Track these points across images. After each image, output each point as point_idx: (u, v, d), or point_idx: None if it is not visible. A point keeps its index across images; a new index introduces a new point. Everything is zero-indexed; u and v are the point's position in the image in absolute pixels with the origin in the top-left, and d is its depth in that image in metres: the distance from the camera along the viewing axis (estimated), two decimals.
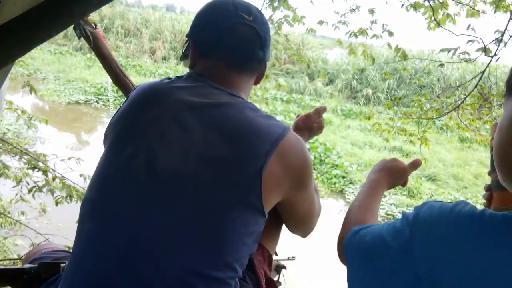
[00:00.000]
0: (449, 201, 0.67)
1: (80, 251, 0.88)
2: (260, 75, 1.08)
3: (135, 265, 0.81)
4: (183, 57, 1.09)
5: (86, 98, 10.47)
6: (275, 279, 1.26)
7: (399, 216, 0.72)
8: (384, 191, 1.07)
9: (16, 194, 2.90)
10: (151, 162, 0.86)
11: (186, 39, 1.07)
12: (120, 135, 0.93)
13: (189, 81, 0.97)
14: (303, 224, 1.08)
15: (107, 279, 0.82)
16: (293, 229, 1.09)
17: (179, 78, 0.99)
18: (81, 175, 2.78)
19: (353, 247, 0.77)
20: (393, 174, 1.08)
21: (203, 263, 0.83)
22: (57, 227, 4.29)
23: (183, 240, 0.82)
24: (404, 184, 1.13)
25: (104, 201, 0.89)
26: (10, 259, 2.81)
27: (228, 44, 0.98)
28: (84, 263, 0.85)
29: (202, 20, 1.02)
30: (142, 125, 0.90)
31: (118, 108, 1.00)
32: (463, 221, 0.60)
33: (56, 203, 2.67)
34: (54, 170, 2.76)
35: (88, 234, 0.88)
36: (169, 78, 1.00)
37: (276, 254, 1.22)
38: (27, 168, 2.78)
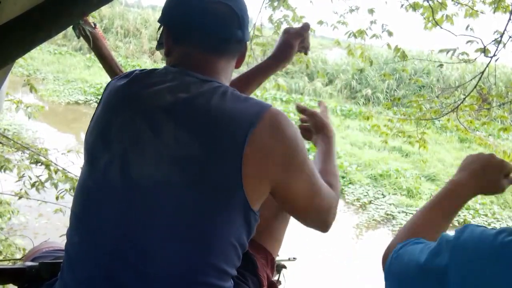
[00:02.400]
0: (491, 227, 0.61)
1: (69, 264, 0.87)
2: (241, 57, 0.99)
3: (121, 277, 0.80)
4: (159, 46, 1.01)
5: (86, 98, 10.47)
6: (275, 278, 1.26)
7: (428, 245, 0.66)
8: (470, 198, 0.83)
9: (21, 189, 2.91)
10: (126, 170, 0.82)
11: (159, 25, 0.98)
12: (96, 143, 0.89)
13: (161, 74, 0.90)
14: (310, 213, 0.93)
15: None
16: (303, 221, 0.95)
17: (152, 71, 0.92)
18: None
19: (392, 267, 0.73)
20: (487, 174, 0.82)
21: (190, 270, 0.80)
22: (56, 226, 4.30)
23: (166, 248, 0.80)
24: (501, 190, 0.85)
25: (86, 215, 0.87)
26: (10, 259, 2.81)
27: (202, 26, 0.90)
28: (72, 276, 0.85)
29: (172, 2, 0.95)
30: (115, 130, 0.86)
31: (94, 111, 0.96)
32: (506, 253, 0.56)
33: (57, 198, 2.67)
34: (56, 164, 2.76)
35: (75, 249, 0.87)
36: (142, 71, 0.93)
37: (277, 255, 1.22)
38: (30, 163, 2.78)
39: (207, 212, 0.80)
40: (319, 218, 0.95)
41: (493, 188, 0.84)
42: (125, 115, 0.86)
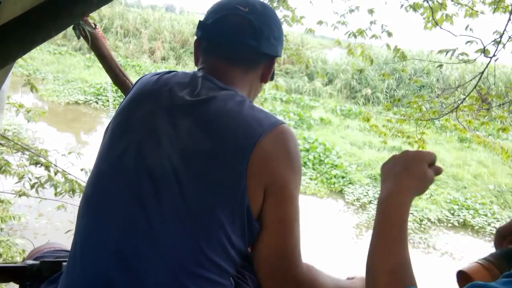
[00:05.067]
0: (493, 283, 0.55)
1: (76, 246, 0.89)
2: (265, 71, 1.03)
3: (128, 259, 0.82)
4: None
5: (86, 98, 10.47)
6: None
7: None
8: (408, 204, 0.72)
9: (20, 190, 2.91)
10: (141, 157, 0.86)
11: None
12: (116, 131, 0.94)
13: (186, 77, 0.97)
14: (276, 259, 0.87)
15: (104, 274, 0.82)
16: (256, 266, 0.90)
17: (179, 73, 0.99)
18: (82, 169, 2.80)
19: None
20: (411, 171, 0.74)
21: (192, 261, 0.82)
22: (56, 227, 4.30)
23: (171, 237, 0.82)
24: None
25: (97, 197, 0.90)
26: (11, 263, 2.81)
27: (217, 34, 0.98)
28: (80, 258, 0.86)
29: (204, 18, 1.03)
30: (136, 120, 0.91)
31: (121, 102, 1.01)
32: None
33: (56, 194, 2.67)
34: (55, 165, 2.77)
35: (83, 230, 0.89)
36: (169, 72, 1.00)
37: None
38: (30, 164, 2.79)
39: (210, 207, 0.83)
40: (271, 276, 0.88)
41: (423, 183, 0.75)
42: (147, 107, 0.92)
